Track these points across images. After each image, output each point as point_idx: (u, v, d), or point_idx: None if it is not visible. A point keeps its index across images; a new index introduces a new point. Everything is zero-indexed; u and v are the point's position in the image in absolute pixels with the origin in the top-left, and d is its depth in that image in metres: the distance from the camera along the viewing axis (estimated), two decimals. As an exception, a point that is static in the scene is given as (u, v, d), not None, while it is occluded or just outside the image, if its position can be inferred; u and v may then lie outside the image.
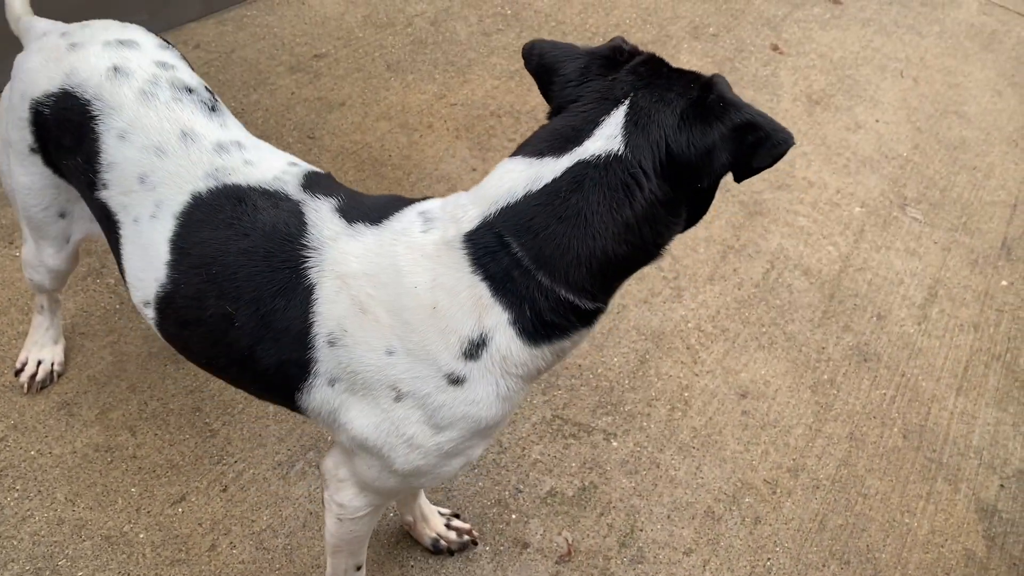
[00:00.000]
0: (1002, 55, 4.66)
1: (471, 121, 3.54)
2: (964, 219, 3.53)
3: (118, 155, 1.56)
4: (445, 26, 4.08)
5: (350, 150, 3.30)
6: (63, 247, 1.97)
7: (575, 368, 2.65)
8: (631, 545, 2.25)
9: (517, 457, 2.38)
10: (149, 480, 2.19)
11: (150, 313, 1.60)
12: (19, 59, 1.76)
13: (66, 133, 1.63)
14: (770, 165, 1.27)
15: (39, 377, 2.32)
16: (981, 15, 4.99)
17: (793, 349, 2.85)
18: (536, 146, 1.33)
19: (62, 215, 1.87)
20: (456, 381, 1.36)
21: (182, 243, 1.52)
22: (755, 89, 4.03)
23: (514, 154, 1.35)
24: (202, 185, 1.53)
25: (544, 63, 1.40)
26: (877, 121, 3.98)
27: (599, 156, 1.27)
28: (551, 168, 1.29)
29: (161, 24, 3.59)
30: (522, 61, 1.45)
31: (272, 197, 1.52)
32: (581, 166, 1.28)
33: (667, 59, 1.39)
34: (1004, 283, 3.26)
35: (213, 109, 1.63)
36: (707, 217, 3.11)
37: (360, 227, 1.45)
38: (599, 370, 2.66)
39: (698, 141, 1.25)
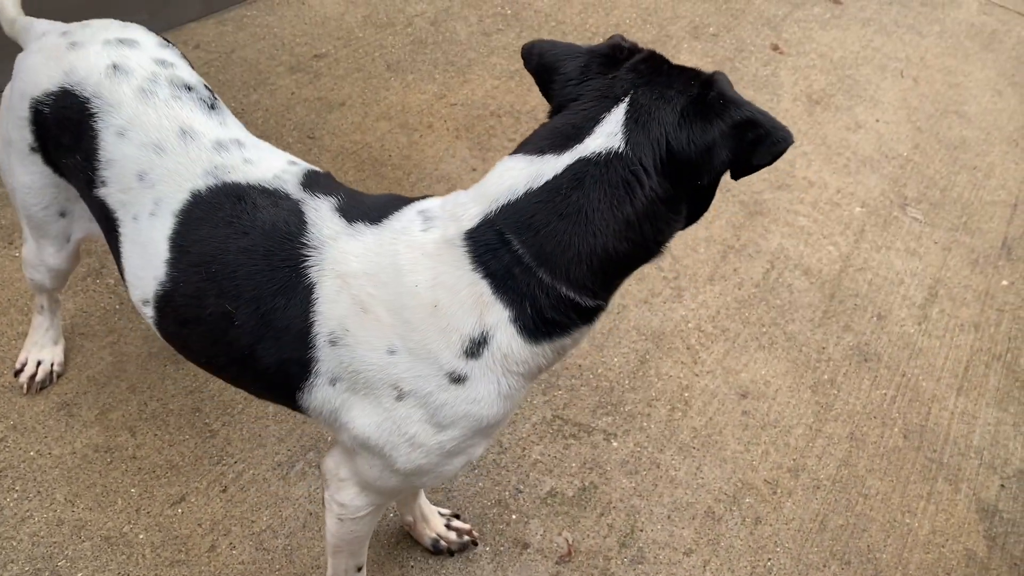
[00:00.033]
0: (1002, 55, 4.66)
1: (471, 121, 3.54)
2: (964, 219, 3.52)
3: (117, 152, 1.56)
4: (445, 26, 4.08)
5: (350, 150, 3.30)
6: (63, 246, 1.96)
7: (575, 368, 2.65)
8: (631, 545, 2.24)
9: (517, 457, 2.38)
10: (149, 481, 2.19)
11: (149, 312, 1.59)
12: (20, 58, 1.76)
13: (65, 131, 1.62)
14: (770, 163, 1.27)
15: (39, 378, 2.31)
16: (981, 15, 4.99)
17: (793, 349, 2.84)
18: (537, 144, 1.33)
19: (62, 214, 1.87)
20: (457, 379, 1.36)
21: (181, 241, 1.52)
22: (755, 89, 4.03)
23: (515, 152, 1.35)
24: (201, 183, 1.52)
25: (544, 62, 1.40)
26: (877, 121, 3.98)
27: (600, 153, 1.27)
28: (552, 166, 1.29)
29: (161, 24, 3.59)
30: (522, 61, 1.45)
31: (272, 195, 1.51)
32: (582, 163, 1.28)
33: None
34: (1004, 283, 3.26)
35: (212, 107, 1.63)
36: (707, 217, 3.12)
37: (360, 226, 1.45)
38: (599, 370, 2.66)
39: (698, 138, 1.25)
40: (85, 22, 1.75)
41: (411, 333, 1.36)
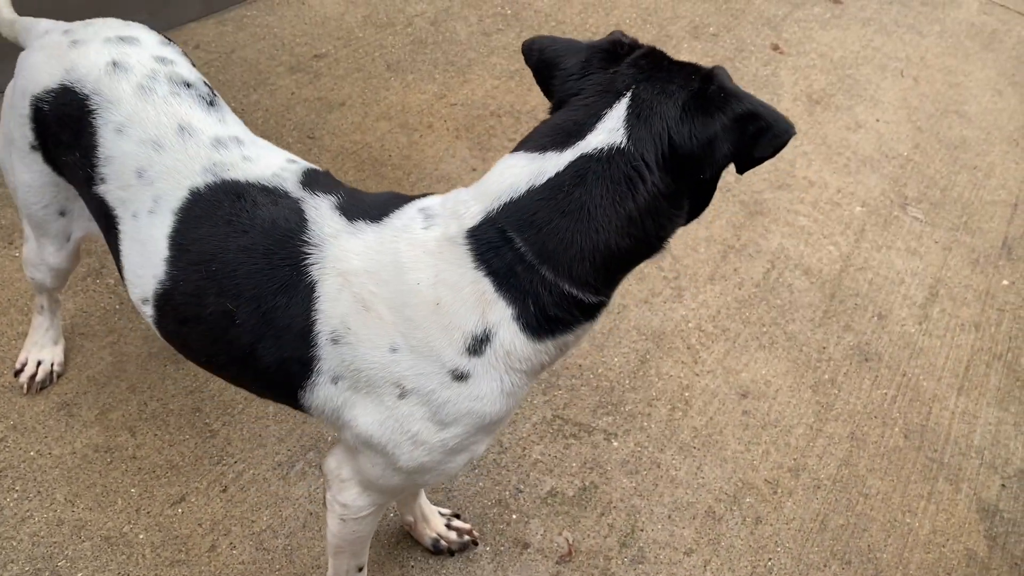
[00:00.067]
0: (1002, 54, 4.66)
1: (471, 121, 3.54)
2: (965, 218, 3.52)
3: (116, 149, 1.56)
4: (445, 26, 4.08)
5: (350, 150, 3.29)
6: (64, 245, 1.96)
7: (575, 368, 2.65)
8: (632, 545, 2.24)
9: (517, 457, 2.38)
10: (149, 481, 2.18)
11: (148, 310, 1.59)
12: (22, 56, 1.77)
13: (65, 129, 1.62)
14: (772, 155, 1.27)
15: (39, 378, 2.31)
16: (981, 14, 5.00)
17: (794, 349, 2.84)
18: (538, 141, 1.32)
19: (62, 213, 1.87)
20: (460, 377, 1.36)
21: (181, 239, 1.51)
22: (755, 89, 4.02)
23: (516, 149, 1.35)
24: (200, 180, 1.52)
25: (544, 58, 1.40)
26: (877, 120, 3.98)
27: (602, 149, 1.27)
28: (554, 162, 1.29)
29: (161, 24, 3.57)
30: (522, 61, 1.45)
31: (271, 194, 1.51)
32: (584, 160, 1.27)
33: (667, 58, 1.38)
34: (1005, 282, 3.25)
35: (211, 104, 1.63)
36: (707, 217, 3.11)
37: (361, 224, 1.44)
38: (600, 370, 2.66)
39: (700, 132, 1.25)
40: (87, 21, 1.75)
41: (413, 331, 1.36)
